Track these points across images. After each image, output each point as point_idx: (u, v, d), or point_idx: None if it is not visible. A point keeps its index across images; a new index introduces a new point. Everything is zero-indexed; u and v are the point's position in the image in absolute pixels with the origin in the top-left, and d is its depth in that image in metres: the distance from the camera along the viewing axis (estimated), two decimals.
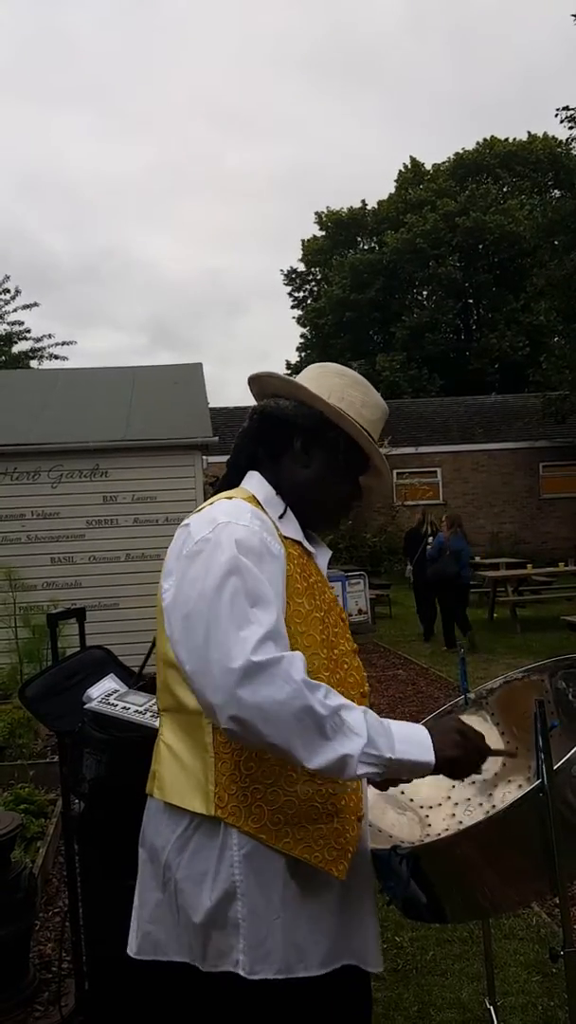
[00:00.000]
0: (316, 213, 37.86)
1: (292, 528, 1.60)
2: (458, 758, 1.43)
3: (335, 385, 1.66)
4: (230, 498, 1.57)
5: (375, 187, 76.20)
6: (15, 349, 22.56)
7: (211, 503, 1.58)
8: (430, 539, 10.84)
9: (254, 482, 1.64)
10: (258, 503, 1.58)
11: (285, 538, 1.56)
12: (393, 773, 1.39)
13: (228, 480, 1.69)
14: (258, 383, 1.72)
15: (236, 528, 1.45)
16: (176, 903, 1.50)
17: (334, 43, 66.63)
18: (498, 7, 62.56)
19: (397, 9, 64.53)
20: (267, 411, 1.65)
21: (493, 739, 2.09)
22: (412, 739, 1.40)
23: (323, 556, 1.69)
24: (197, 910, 1.45)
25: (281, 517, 1.58)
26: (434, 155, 57.96)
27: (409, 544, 12.08)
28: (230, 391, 68.33)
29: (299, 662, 1.33)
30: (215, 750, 1.47)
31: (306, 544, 1.62)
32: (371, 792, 1.73)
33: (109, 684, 2.60)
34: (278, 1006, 1.45)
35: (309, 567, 1.60)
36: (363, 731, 1.35)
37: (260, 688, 1.29)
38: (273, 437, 1.65)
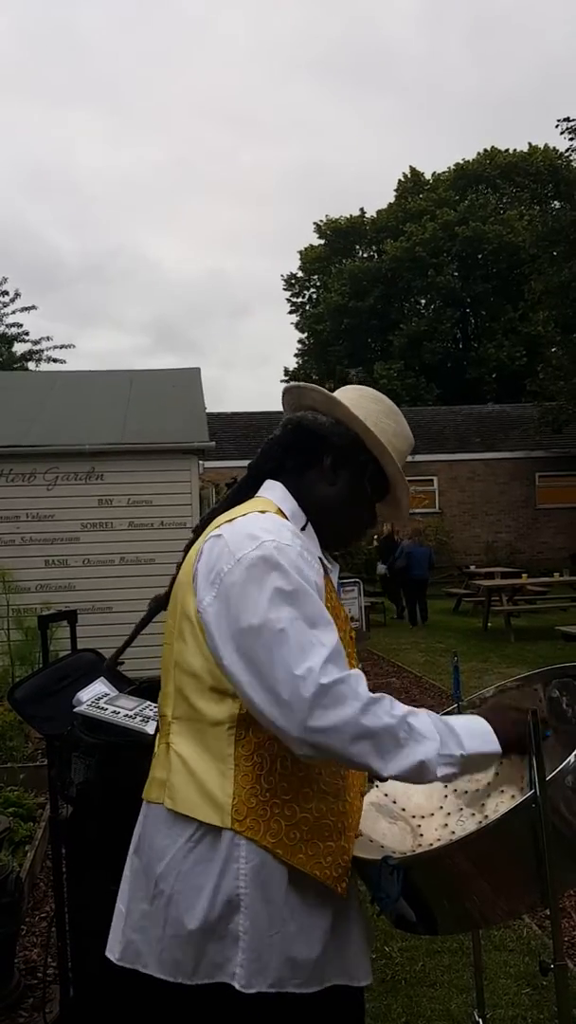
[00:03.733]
0: (315, 223, 38.02)
1: (312, 543, 1.59)
2: (522, 734, 1.48)
3: (371, 411, 1.65)
4: (263, 511, 1.54)
5: (376, 194, 76.71)
6: (14, 351, 22.56)
7: (243, 513, 1.53)
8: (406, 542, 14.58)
9: (278, 493, 1.61)
10: (284, 516, 1.56)
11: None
12: (468, 769, 1.45)
13: (248, 484, 1.67)
14: (295, 394, 1.71)
15: (284, 549, 1.44)
16: (166, 914, 1.47)
17: (346, 46, 67.01)
18: (506, 16, 62.96)
19: (411, 11, 64.84)
20: (303, 424, 1.64)
21: None
22: (476, 733, 1.45)
23: (335, 572, 1.69)
24: (193, 920, 1.43)
25: (302, 529, 1.57)
26: (434, 165, 58.21)
27: (383, 549, 15.53)
28: (231, 396, 68.65)
29: (362, 679, 1.39)
30: (236, 762, 1.46)
31: (324, 559, 1.61)
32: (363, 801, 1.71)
33: (99, 688, 2.58)
34: (268, 1021, 1.44)
35: (328, 586, 1.59)
36: (434, 735, 1.40)
37: (331, 711, 1.34)
38: (304, 450, 1.64)
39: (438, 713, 1.85)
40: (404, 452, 1.69)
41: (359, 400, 1.67)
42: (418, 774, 1.39)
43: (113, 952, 1.57)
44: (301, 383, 1.70)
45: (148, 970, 1.50)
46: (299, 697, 1.33)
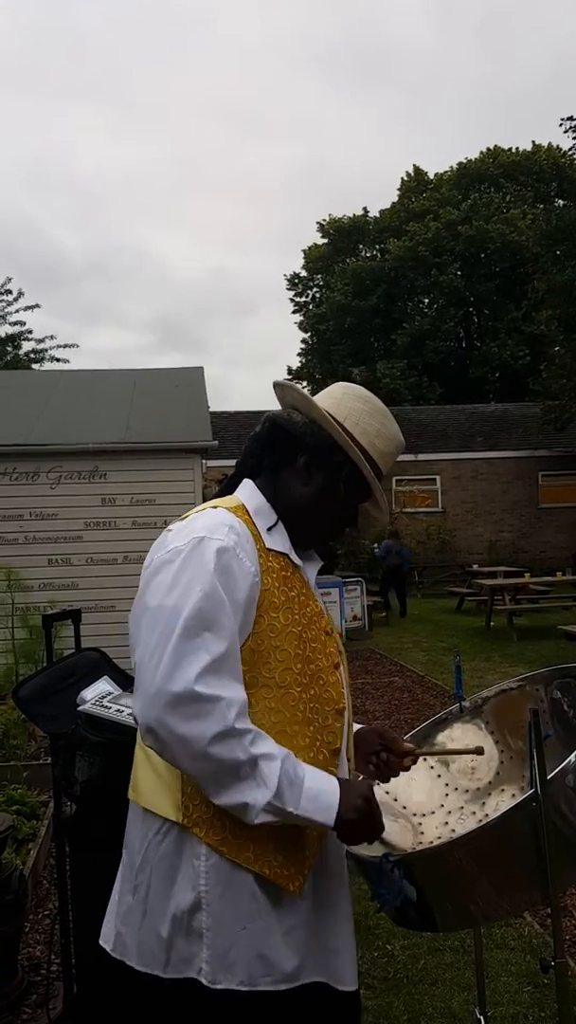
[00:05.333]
0: (318, 222, 38.00)
1: (280, 540, 1.59)
2: (355, 822, 1.45)
3: (354, 410, 1.65)
4: (215, 507, 1.57)
5: (379, 193, 76.57)
6: (19, 350, 22.54)
7: (199, 510, 1.58)
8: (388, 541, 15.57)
9: (246, 491, 1.64)
10: (246, 512, 1.58)
11: (269, 550, 1.55)
12: (292, 823, 1.42)
13: (232, 482, 1.70)
14: (279, 392, 1.72)
15: (210, 543, 1.45)
16: (144, 907, 1.51)
17: (350, 44, 66.91)
18: (511, 14, 62.86)
19: (414, 9, 64.75)
20: (277, 422, 1.65)
21: (488, 747, 2.09)
22: (319, 799, 1.41)
23: (311, 568, 1.68)
24: (164, 916, 1.46)
25: (270, 529, 1.58)
26: (437, 164, 58.15)
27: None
28: (235, 394, 68.53)
29: (236, 705, 1.36)
30: None
31: (292, 557, 1.61)
32: None
33: (103, 686, 2.59)
34: (240, 1018, 1.45)
35: (293, 580, 1.58)
36: (273, 784, 1.37)
37: (190, 720, 1.33)
38: (279, 448, 1.64)
39: (438, 713, 1.86)
40: (388, 453, 1.68)
41: (342, 399, 1.67)
42: (240, 812, 1.38)
43: (108, 942, 1.59)
44: (284, 381, 1.70)
45: (131, 962, 1.52)
46: (162, 691, 1.33)
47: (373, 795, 1.49)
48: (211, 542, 1.45)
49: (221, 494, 1.69)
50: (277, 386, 1.72)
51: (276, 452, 1.64)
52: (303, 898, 1.49)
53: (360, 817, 1.44)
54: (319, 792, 1.42)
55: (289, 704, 1.49)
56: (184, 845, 1.46)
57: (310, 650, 1.56)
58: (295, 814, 1.39)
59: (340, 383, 1.75)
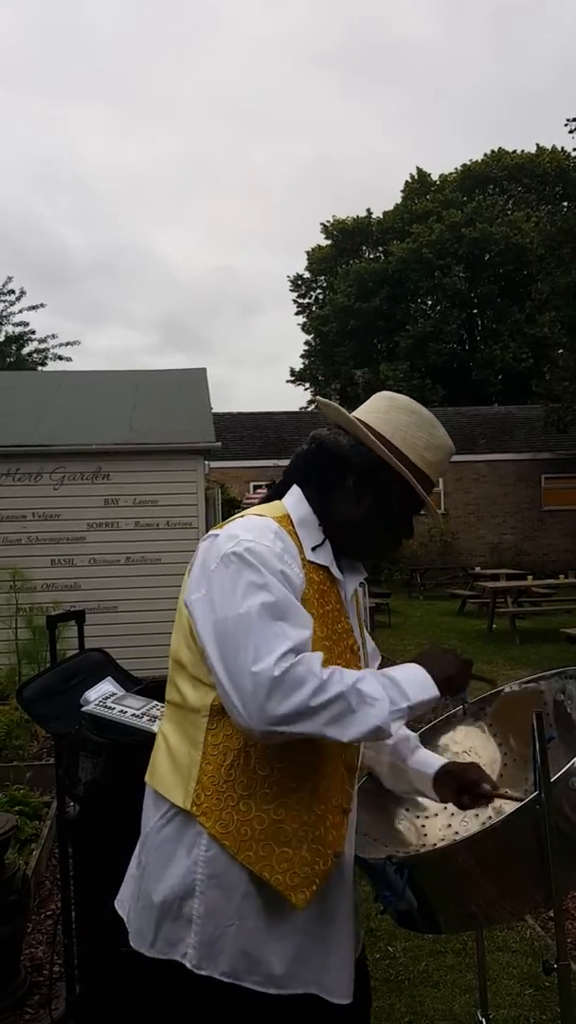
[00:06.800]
0: (322, 223, 38.05)
1: (323, 554, 1.60)
2: (451, 675, 1.52)
3: (401, 424, 1.63)
4: (260, 515, 1.57)
5: (382, 195, 76.58)
6: (22, 351, 22.55)
7: (242, 515, 1.59)
8: None
9: (293, 499, 1.63)
10: (290, 523, 1.58)
11: (310, 562, 1.56)
12: (414, 714, 1.47)
13: (279, 489, 1.69)
14: (323, 409, 1.71)
15: (259, 547, 1.47)
16: (140, 884, 1.55)
17: (355, 45, 66.99)
18: (518, 14, 62.88)
19: (418, 9, 64.81)
20: (324, 444, 1.64)
21: (490, 749, 2.09)
22: (415, 680, 1.48)
23: (352, 581, 1.69)
24: (157, 895, 1.50)
25: (315, 549, 1.58)
26: (441, 166, 58.24)
27: None
28: (240, 395, 68.68)
29: (317, 659, 1.40)
30: (204, 749, 1.50)
31: (333, 570, 1.61)
32: (366, 800, 1.72)
33: (107, 687, 2.60)
34: (221, 1008, 1.46)
35: (329, 594, 1.60)
36: (383, 695, 1.42)
37: (287, 697, 1.35)
38: (326, 468, 1.63)
39: (441, 715, 1.87)
40: (439, 463, 1.67)
41: (387, 413, 1.65)
42: (374, 736, 1.42)
43: (123, 908, 1.64)
44: (326, 400, 1.69)
45: (129, 929, 1.58)
46: (258, 689, 1.35)
47: (439, 647, 1.59)
48: (259, 545, 1.47)
49: (267, 499, 1.69)
50: (320, 405, 1.72)
51: (324, 471, 1.63)
52: (304, 908, 1.49)
53: (452, 665, 1.54)
54: (412, 676, 1.49)
55: None
56: (185, 833, 1.49)
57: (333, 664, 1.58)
58: (413, 704, 1.45)
59: (384, 394, 1.72)
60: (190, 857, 1.47)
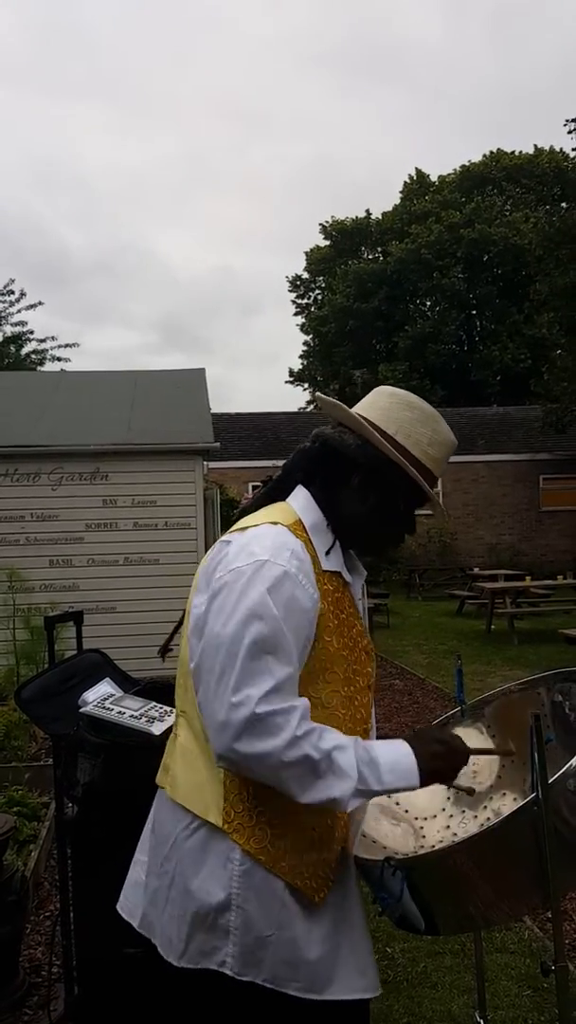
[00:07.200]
0: (320, 224, 38.06)
1: (335, 560, 1.58)
2: (440, 768, 1.49)
3: (403, 420, 1.61)
4: (275, 523, 1.53)
5: (381, 196, 76.54)
6: (21, 351, 22.53)
7: (256, 524, 1.54)
8: None
9: (302, 502, 1.61)
10: (304, 530, 1.55)
11: (325, 572, 1.54)
12: (381, 795, 1.47)
13: (279, 486, 1.66)
14: (324, 407, 1.69)
15: (272, 568, 1.44)
16: (168, 894, 1.53)
17: (355, 45, 66.97)
18: (518, 15, 62.91)
19: (418, 10, 64.81)
20: (330, 443, 1.62)
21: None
22: (397, 767, 1.45)
23: (358, 582, 1.68)
24: (189, 906, 1.47)
25: (328, 552, 1.57)
26: (440, 167, 58.27)
27: None
28: (238, 395, 68.66)
29: (298, 712, 1.37)
30: None
31: (344, 574, 1.60)
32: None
33: (105, 688, 2.60)
34: (262, 1011, 1.46)
35: (343, 600, 1.59)
36: (353, 771, 1.40)
37: (257, 740, 1.34)
38: (331, 467, 1.61)
39: (441, 716, 1.87)
40: (443, 458, 1.66)
41: (389, 409, 1.63)
42: (329, 805, 1.41)
43: (134, 918, 1.63)
44: (327, 399, 1.66)
45: (156, 942, 1.56)
46: (231, 722, 1.34)
47: (445, 733, 1.55)
48: (274, 567, 1.44)
49: (267, 496, 1.66)
50: (320, 402, 1.70)
51: (329, 470, 1.62)
52: (325, 911, 1.51)
53: (444, 760, 1.49)
54: (396, 762, 1.45)
55: (332, 724, 1.49)
56: (211, 844, 1.47)
57: (351, 671, 1.59)
58: (383, 790, 1.43)
59: (384, 389, 1.70)
60: (224, 871, 1.46)
